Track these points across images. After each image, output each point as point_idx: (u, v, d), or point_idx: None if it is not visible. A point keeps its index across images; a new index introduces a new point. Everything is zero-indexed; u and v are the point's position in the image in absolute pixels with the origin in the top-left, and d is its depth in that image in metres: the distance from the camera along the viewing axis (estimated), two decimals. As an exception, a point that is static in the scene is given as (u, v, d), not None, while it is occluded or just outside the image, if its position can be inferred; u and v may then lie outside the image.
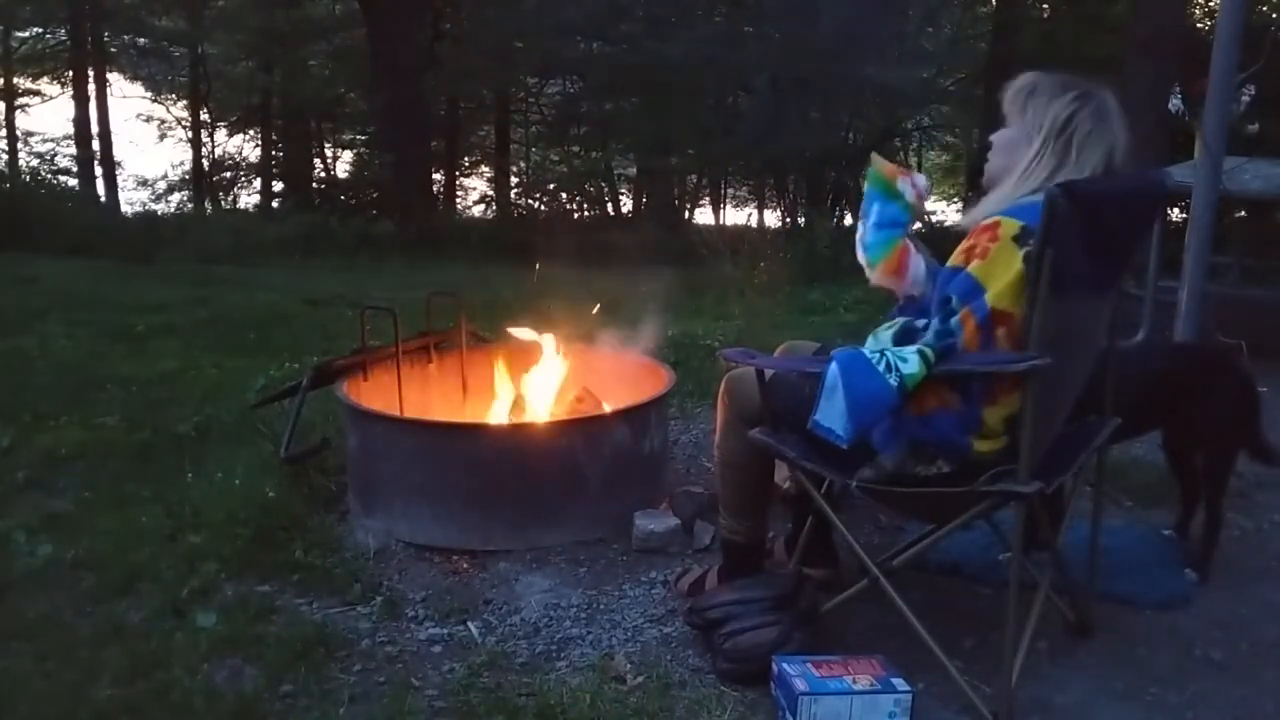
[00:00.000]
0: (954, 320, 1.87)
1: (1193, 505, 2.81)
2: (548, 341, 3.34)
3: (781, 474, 2.48)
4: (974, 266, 1.88)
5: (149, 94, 20.93)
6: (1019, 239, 1.85)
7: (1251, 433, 2.68)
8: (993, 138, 2.08)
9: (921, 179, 2.28)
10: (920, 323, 2.00)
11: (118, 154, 18.14)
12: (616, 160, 16.54)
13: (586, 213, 16.81)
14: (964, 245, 1.95)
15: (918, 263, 2.19)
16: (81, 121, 16.98)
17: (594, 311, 3.35)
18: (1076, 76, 2.03)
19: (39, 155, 18.16)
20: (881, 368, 1.86)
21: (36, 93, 18.90)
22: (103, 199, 16.66)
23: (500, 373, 3.40)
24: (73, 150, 17.62)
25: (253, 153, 20.22)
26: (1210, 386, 2.60)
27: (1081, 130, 1.95)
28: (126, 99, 20.20)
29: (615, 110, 14.49)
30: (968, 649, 2.19)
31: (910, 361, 1.84)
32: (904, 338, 1.98)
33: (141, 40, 19.17)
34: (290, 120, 19.42)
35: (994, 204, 1.99)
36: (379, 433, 2.86)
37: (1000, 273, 1.85)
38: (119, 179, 18.42)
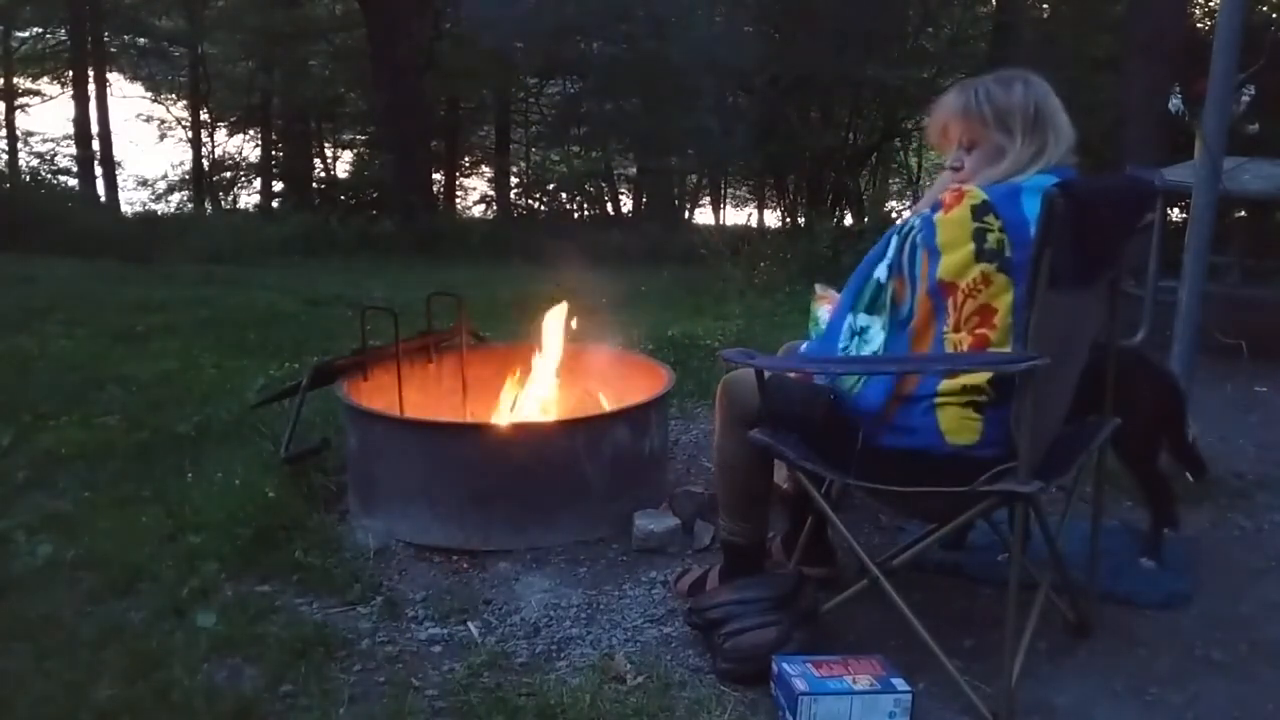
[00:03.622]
0: (907, 307, 1.96)
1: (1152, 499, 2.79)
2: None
3: (781, 474, 2.48)
4: (937, 216, 1.94)
5: (149, 94, 20.89)
6: (977, 210, 1.90)
7: (1173, 435, 2.68)
8: (958, 162, 2.06)
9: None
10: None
11: (118, 154, 18.10)
12: (616, 160, 16.53)
13: (586, 213, 16.80)
14: (926, 201, 2.04)
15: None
16: (81, 121, 16.94)
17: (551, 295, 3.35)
18: (1000, 73, 2.07)
19: (39, 155, 18.12)
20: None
21: (36, 93, 18.87)
22: (103, 199, 16.63)
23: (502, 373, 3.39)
24: (73, 150, 17.58)
25: (253, 153, 20.18)
26: (1127, 387, 2.58)
27: (1048, 109, 2.00)
28: (126, 99, 20.14)
29: (615, 110, 14.49)
30: (968, 649, 2.19)
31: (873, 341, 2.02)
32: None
33: (141, 40, 19.15)
34: (290, 120, 19.40)
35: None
36: (379, 433, 2.86)
37: (952, 240, 1.91)
38: (119, 179, 18.37)
